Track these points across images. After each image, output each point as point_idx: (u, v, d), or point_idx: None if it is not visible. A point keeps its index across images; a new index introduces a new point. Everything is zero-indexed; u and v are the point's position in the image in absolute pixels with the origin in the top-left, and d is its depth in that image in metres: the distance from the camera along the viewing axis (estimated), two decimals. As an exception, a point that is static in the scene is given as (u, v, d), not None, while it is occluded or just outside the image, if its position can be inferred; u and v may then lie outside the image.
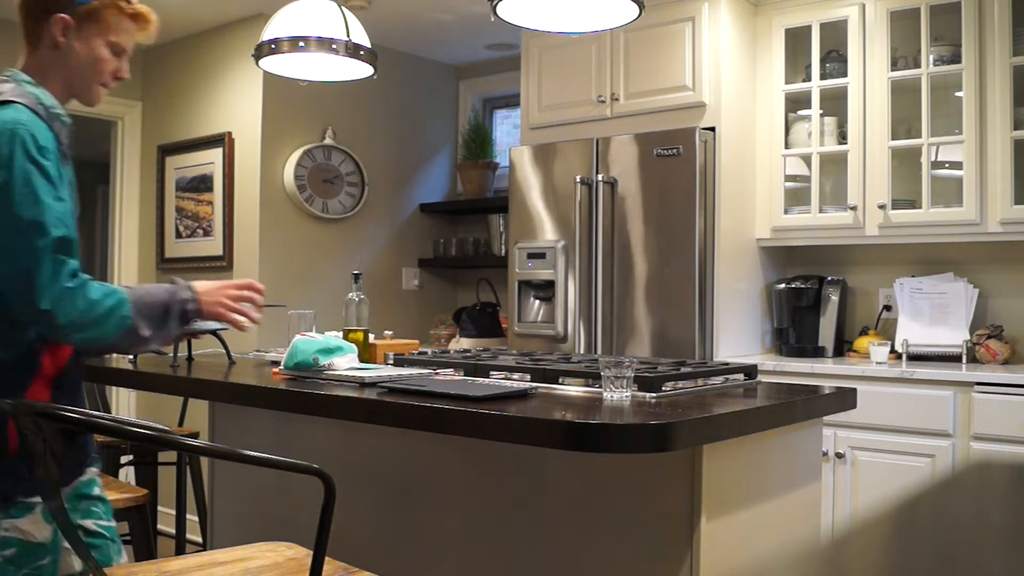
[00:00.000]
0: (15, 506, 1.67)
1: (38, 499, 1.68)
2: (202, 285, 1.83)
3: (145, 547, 2.36)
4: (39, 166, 1.65)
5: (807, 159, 3.70)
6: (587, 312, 3.72)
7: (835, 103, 3.63)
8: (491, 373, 2.31)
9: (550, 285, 3.84)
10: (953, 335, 3.44)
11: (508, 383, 2.13)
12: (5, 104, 1.67)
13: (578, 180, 3.70)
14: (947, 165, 3.45)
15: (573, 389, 2.12)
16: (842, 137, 3.64)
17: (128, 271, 5.03)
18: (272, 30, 2.83)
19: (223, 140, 4.57)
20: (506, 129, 5.21)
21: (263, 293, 1.97)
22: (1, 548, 1.66)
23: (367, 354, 2.62)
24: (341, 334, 2.60)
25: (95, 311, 1.65)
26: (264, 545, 1.90)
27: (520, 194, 3.95)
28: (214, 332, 2.31)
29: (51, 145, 1.69)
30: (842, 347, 3.73)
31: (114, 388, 4.62)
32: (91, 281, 1.68)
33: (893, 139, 3.45)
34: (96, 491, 1.87)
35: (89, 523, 1.83)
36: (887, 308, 3.74)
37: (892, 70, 3.46)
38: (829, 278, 3.75)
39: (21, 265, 1.61)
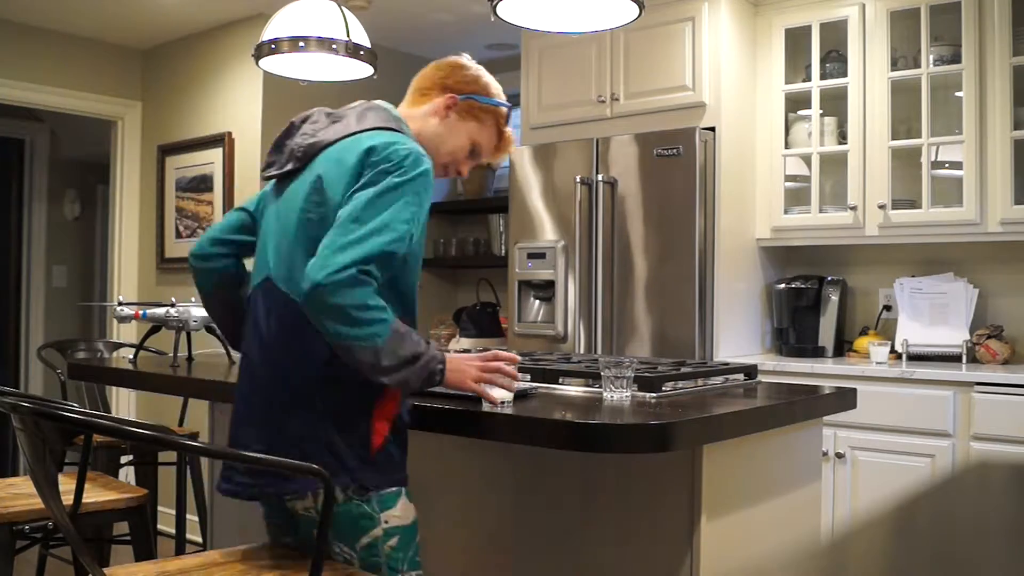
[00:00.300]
0: (384, 497, 1.75)
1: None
2: (453, 357, 1.79)
3: (145, 547, 2.36)
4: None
5: (807, 159, 3.70)
6: (587, 312, 3.72)
7: (835, 103, 3.63)
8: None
9: (550, 285, 3.84)
10: (953, 335, 3.44)
11: (508, 383, 2.13)
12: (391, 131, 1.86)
13: (578, 180, 3.70)
14: (947, 165, 3.44)
15: (573, 389, 2.12)
16: (842, 137, 3.64)
17: (128, 271, 5.03)
18: (272, 30, 2.83)
19: (223, 140, 4.57)
20: (506, 129, 5.20)
21: (516, 362, 1.88)
22: (386, 539, 1.75)
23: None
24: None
25: (362, 311, 1.62)
26: (265, 545, 1.90)
27: (520, 194, 3.95)
28: None
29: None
30: (842, 347, 3.73)
31: (114, 388, 4.62)
32: (380, 294, 1.68)
33: (893, 139, 3.45)
34: None
35: None
36: (887, 308, 3.74)
37: (892, 70, 3.46)
38: (829, 278, 3.75)
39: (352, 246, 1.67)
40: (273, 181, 1.96)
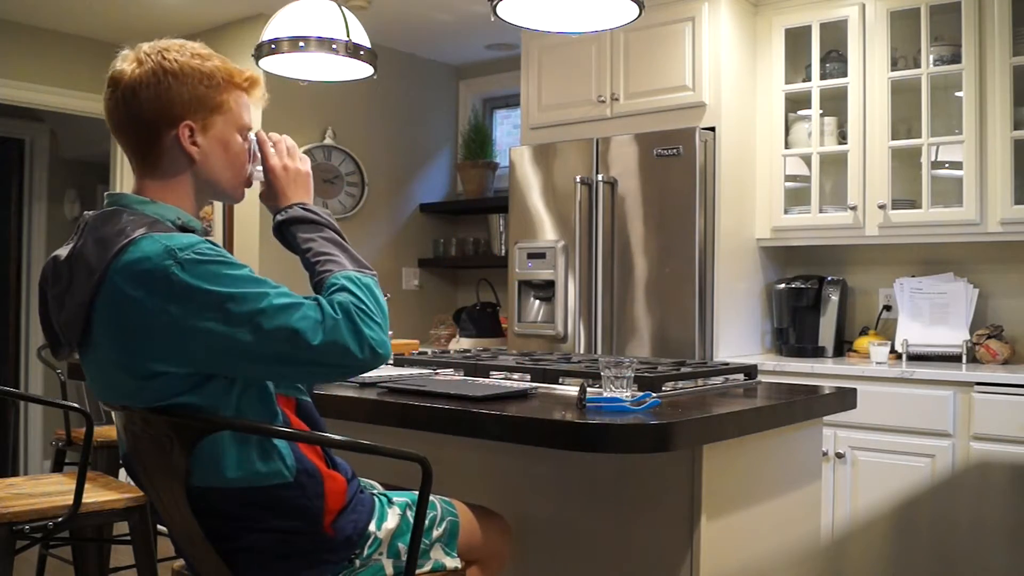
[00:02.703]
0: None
1: None
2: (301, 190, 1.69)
3: (145, 547, 2.36)
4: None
5: (807, 159, 3.70)
6: (587, 312, 3.72)
7: (835, 103, 3.63)
8: (491, 373, 2.31)
9: (550, 285, 3.84)
10: (953, 335, 3.43)
11: (508, 383, 2.13)
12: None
13: (578, 180, 3.70)
14: (947, 165, 3.44)
15: (573, 389, 2.12)
16: (842, 137, 3.64)
17: (128, 271, 5.03)
18: (272, 30, 2.83)
19: (223, 140, 4.56)
20: (506, 129, 5.21)
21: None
22: (395, 548, 1.69)
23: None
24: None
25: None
26: None
27: (520, 194, 3.95)
28: None
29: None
30: (842, 347, 3.73)
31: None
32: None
33: (893, 139, 3.45)
34: None
35: None
36: (887, 308, 3.74)
37: (892, 70, 3.45)
38: (829, 278, 3.75)
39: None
40: None
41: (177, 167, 1.59)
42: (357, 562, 1.65)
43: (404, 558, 1.65)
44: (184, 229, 1.55)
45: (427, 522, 1.68)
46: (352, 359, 1.48)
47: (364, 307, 1.53)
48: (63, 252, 1.54)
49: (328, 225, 1.71)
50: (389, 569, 1.68)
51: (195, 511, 1.54)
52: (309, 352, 1.45)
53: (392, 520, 1.70)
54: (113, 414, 1.64)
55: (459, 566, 1.76)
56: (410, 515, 1.70)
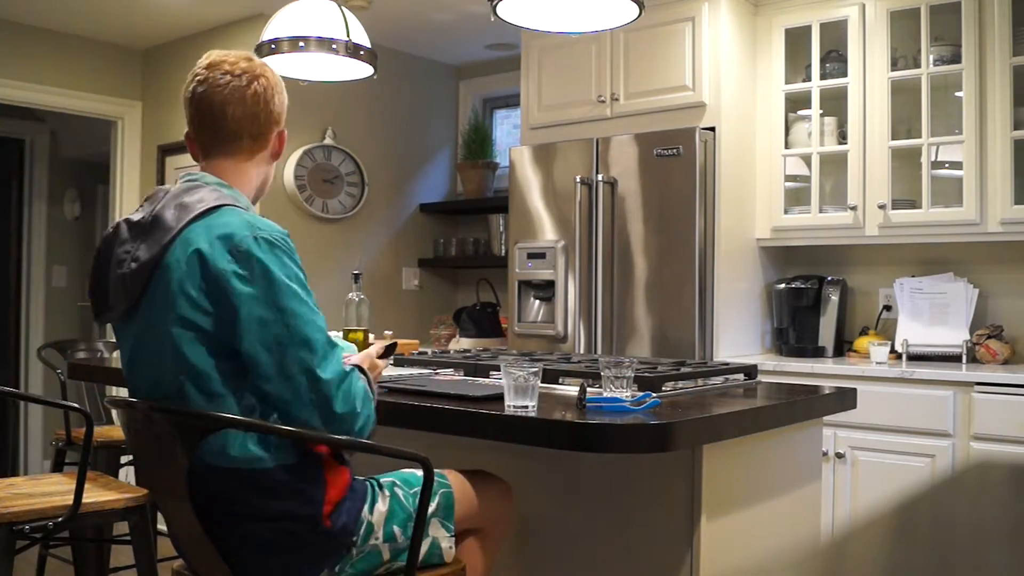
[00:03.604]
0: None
1: None
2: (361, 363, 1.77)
3: (146, 547, 2.36)
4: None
5: (807, 159, 3.70)
6: (587, 312, 3.72)
7: (835, 103, 3.63)
8: (491, 373, 2.31)
9: (550, 285, 3.84)
10: (953, 335, 3.43)
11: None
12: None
13: (578, 180, 3.70)
14: (947, 165, 3.44)
15: (573, 389, 2.12)
16: (842, 137, 3.64)
17: (128, 271, 5.02)
18: (272, 30, 2.83)
19: (223, 140, 4.56)
20: (506, 129, 5.21)
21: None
22: (389, 531, 1.73)
23: (367, 354, 2.61)
24: (341, 334, 2.60)
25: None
26: None
27: (520, 194, 3.95)
28: None
29: None
30: (842, 347, 3.73)
31: (114, 388, 4.62)
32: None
33: (893, 139, 3.45)
34: None
35: None
36: (887, 308, 3.74)
37: (892, 70, 3.45)
38: (829, 278, 3.75)
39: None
40: None
41: (265, 162, 1.81)
42: (354, 551, 1.66)
43: (399, 540, 1.68)
44: None
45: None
46: (347, 413, 1.59)
47: (371, 397, 1.67)
48: (134, 217, 1.66)
49: None
50: (386, 554, 1.69)
51: (196, 494, 1.56)
52: (317, 375, 1.56)
53: (383, 503, 1.71)
54: (114, 412, 1.65)
55: (452, 547, 1.77)
56: (400, 493, 1.73)
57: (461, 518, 1.79)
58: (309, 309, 1.58)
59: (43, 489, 2.34)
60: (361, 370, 1.69)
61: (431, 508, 1.74)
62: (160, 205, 1.63)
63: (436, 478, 1.78)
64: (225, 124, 1.74)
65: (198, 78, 1.76)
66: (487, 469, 1.99)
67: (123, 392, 2.27)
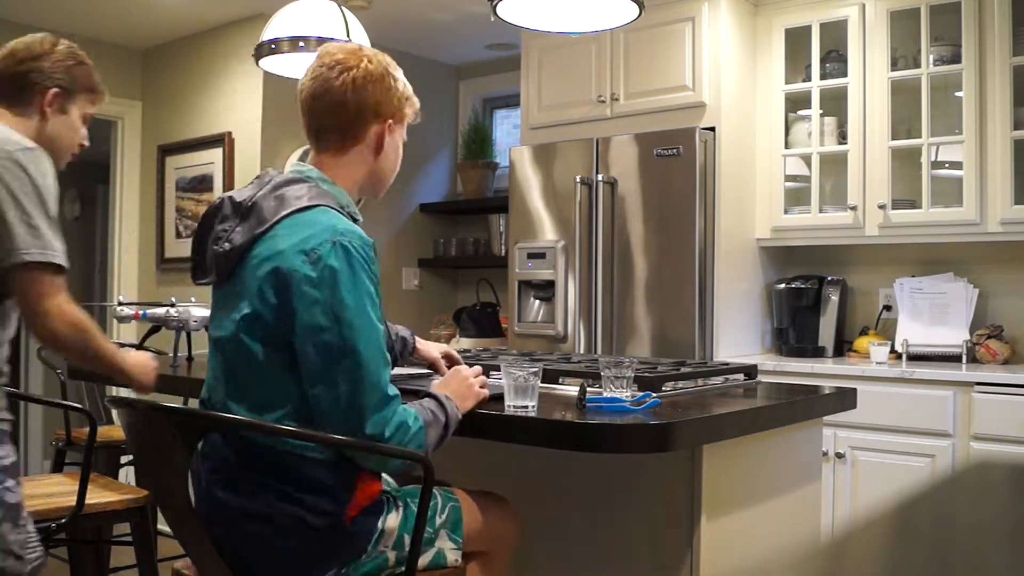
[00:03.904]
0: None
1: None
2: (448, 391, 1.77)
3: (146, 547, 2.36)
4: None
5: (807, 159, 3.70)
6: (587, 312, 3.72)
7: (835, 103, 3.63)
8: (491, 373, 2.31)
9: (550, 285, 3.84)
10: (953, 335, 3.43)
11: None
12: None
13: (578, 180, 3.70)
14: (947, 165, 3.44)
15: (573, 389, 2.12)
16: (842, 137, 3.64)
17: (128, 271, 5.03)
18: (272, 30, 2.83)
19: (223, 140, 4.57)
20: (506, 129, 5.21)
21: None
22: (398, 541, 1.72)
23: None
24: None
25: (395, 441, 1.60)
26: None
27: (520, 194, 3.95)
28: None
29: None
30: (842, 347, 3.73)
31: (114, 388, 4.62)
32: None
33: (893, 139, 3.45)
34: None
35: None
36: (887, 308, 3.74)
37: (892, 70, 3.46)
38: (829, 278, 3.75)
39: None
40: None
41: (363, 156, 1.79)
42: (364, 556, 1.67)
43: (407, 549, 1.67)
44: (349, 217, 1.74)
45: (429, 511, 1.70)
46: (375, 435, 1.57)
47: (411, 436, 1.61)
48: (238, 195, 1.72)
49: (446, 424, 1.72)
50: (392, 560, 1.69)
51: (233, 454, 1.61)
52: (359, 390, 1.56)
53: (396, 513, 1.71)
54: (115, 412, 1.66)
55: (459, 559, 1.76)
56: (412, 504, 1.72)
57: (469, 535, 1.79)
58: (368, 323, 1.59)
59: (44, 490, 2.34)
60: (436, 399, 1.69)
61: (439, 520, 1.74)
62: (261, 192, 1.69)
63: (444, 494, 1.79)
64: (315, 118, 1.77)
65: (306, 74, 1.79)
66: (487, 469, 2.00)
67: (123, 392, 2.27)
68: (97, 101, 2.10)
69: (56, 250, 1.77)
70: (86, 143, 2.17)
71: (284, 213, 1.64)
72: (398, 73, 1.82)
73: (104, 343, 1.86)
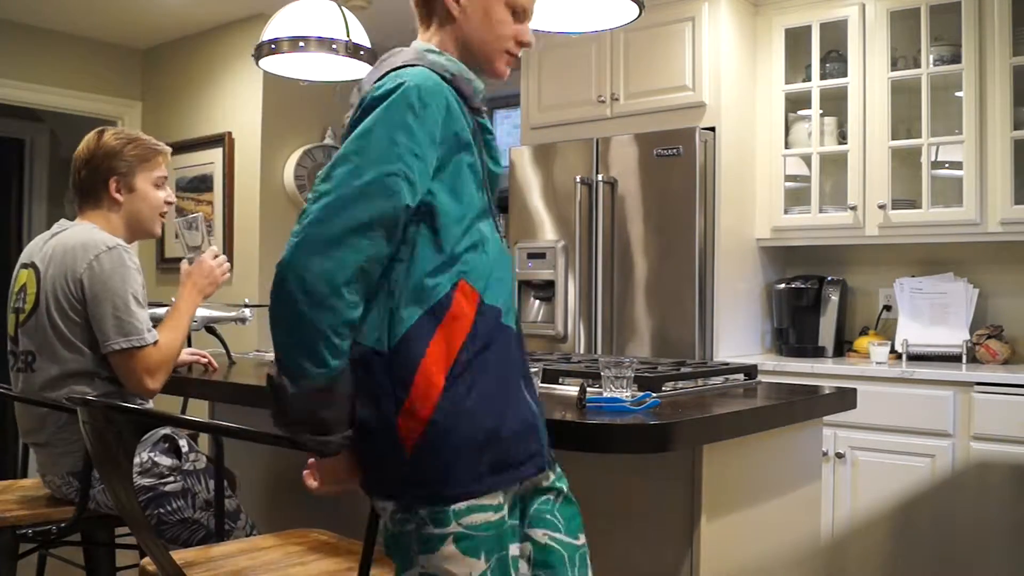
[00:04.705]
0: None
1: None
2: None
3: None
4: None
5: (807, 159, 3.70)
6: (587, 312, 3.72)
7: (835, 103, 3.63)
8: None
9: (550, 285, 3.84)
10: (953, 335, 3.44)
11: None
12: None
13: (578, 180, 3.70)
14: (947, 165, 3.45)
15: (573, 389, 2.12)
16: (842, 137, 3.64)
17: (128, 271, 5.03)
18: (272, 30, 2.83)
19: (223, 140, 4.57)
20: (506, 129, 5.20)
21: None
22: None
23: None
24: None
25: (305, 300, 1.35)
26: (296, 532, 1.92)
27: (520, 194, 3.95)
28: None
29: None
30: (842, 347, 3.73)
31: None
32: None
33: (893, 139, 3.45)
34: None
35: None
36: (887, 308, 3.74)
37: (892, 70, 3.46)
38: (829, 278, 3.75)
39: None
40: None
41: (442, 20, 1.68)
42: (415, 524, 1.43)
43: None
44: (455, 78, 1.60)
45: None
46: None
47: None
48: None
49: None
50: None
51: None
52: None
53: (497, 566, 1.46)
54: (79, 411, 1.69)
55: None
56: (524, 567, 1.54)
57: None
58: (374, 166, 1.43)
59: (45, 492, 2.34)
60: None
61: None
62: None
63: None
64: None
65: None
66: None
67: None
68: (159, 163, 2.42)
69: (137, 333, 2.11)
70: (172, 200, 2.52)
71: (375, 79, 1.60)
72: None
73: (173, 333, 2.23)
